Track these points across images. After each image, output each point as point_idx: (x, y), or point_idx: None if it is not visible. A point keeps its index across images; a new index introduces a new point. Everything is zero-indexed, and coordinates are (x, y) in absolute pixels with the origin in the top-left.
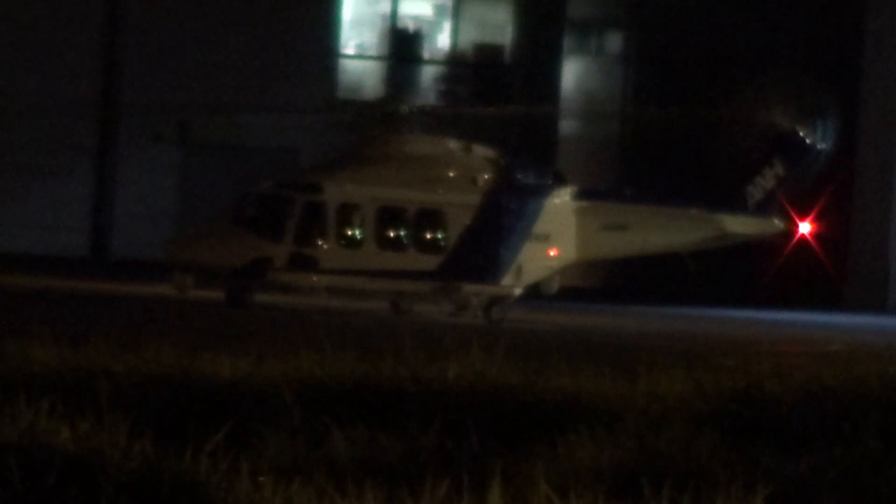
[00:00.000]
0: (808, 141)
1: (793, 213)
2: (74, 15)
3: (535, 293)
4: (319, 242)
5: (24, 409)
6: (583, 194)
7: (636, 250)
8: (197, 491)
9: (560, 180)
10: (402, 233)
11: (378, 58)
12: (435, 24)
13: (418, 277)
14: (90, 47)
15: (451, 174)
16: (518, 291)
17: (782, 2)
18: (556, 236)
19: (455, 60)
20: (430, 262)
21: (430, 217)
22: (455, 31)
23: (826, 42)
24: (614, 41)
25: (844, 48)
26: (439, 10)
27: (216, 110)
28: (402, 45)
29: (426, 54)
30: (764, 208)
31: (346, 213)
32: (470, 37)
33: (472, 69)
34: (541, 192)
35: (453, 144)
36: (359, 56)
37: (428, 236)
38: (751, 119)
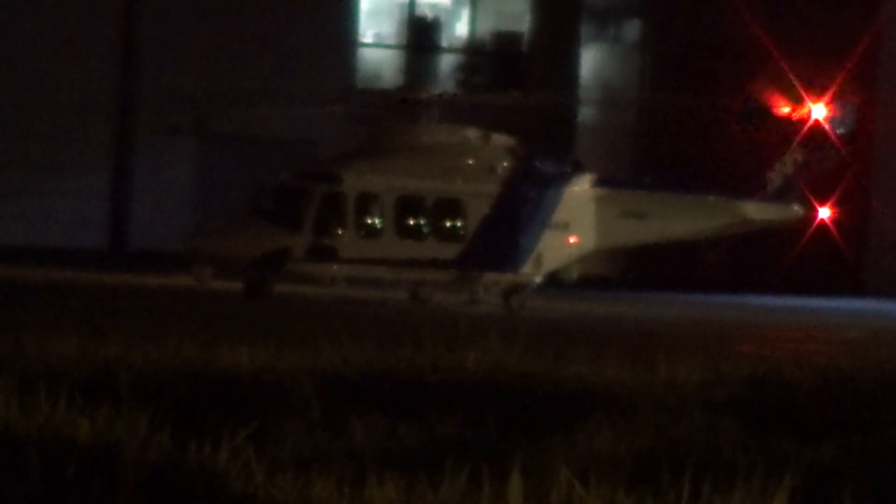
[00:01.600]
0: (826, 126)
1: (812, 199)
2: (91, 8)
3: (554, 281)
4: (338, 233)
5: (44, 402)
6: (601, 182)
7: (655, 238)
8: (216, 483)
9: (579, 168)
10: (420, 222)
11: (396, 47)
12: (452, 13)
13: (437, 267)
14: (107, 40)
15: (470, 163)
16: (537, 280)
17: None
18: (575, 224)
19: (473, 49)
20: (449, 251)
21: (449, 206)
22: (473, 20)
23: (843, 27)
24: (631, 29)
25: (861, 34)
26: None
27: (233, 102)
28: (420, 34)
29: (444, 43)
30: (783, 194)
31: (365, 204)
32: (487, 25)
33: (490, 58)
34: (559, 180)
35: (472, 133)
36: (377, 45)
37: (447, 225)
38: (768, 106)
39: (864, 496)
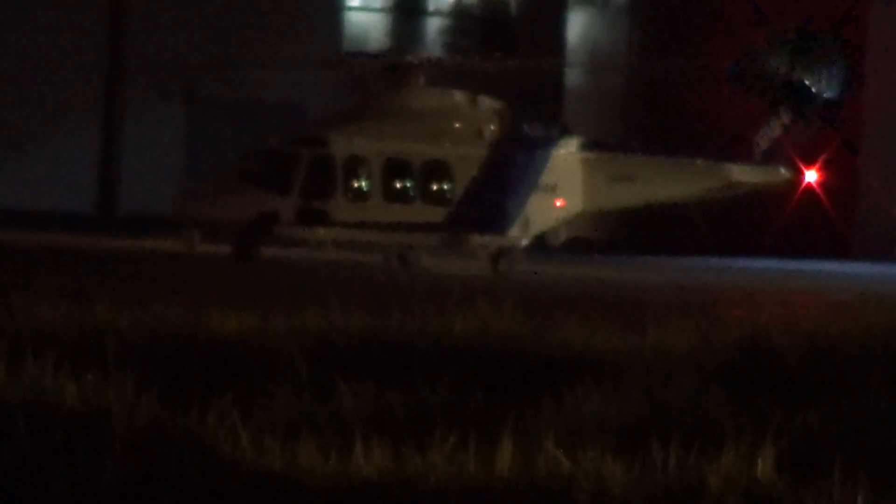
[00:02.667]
0: (814, 89)
1: (799, 163)
2: None
3: (542, 245)
4: (326, 196)
5: (31, 366)
6: (589, 146)
7: (643, 201)
8: (203, 447)
9: (566, 132)
10: (408, 185)
11: (383, 10)
12: None
13: (425, 230)
14: (95, 5)
15: (457, 126)
16: (525, 243)
17: None
18: (563, 188)
19: (460, 13)
20: (436, 214)
21: (437, 169)
22: None
23: None
24: None
25: None
26: None
27: (222, 66)
28: None
29: (431, 7)
30: (770, 158)
31: (353, 167)
32: None
33: (478, 21)
34: (547, 143)
35: (459, 97)
36: (364, 9)
37: (434, 189)
38: (757, 68)
39: (851, 460)
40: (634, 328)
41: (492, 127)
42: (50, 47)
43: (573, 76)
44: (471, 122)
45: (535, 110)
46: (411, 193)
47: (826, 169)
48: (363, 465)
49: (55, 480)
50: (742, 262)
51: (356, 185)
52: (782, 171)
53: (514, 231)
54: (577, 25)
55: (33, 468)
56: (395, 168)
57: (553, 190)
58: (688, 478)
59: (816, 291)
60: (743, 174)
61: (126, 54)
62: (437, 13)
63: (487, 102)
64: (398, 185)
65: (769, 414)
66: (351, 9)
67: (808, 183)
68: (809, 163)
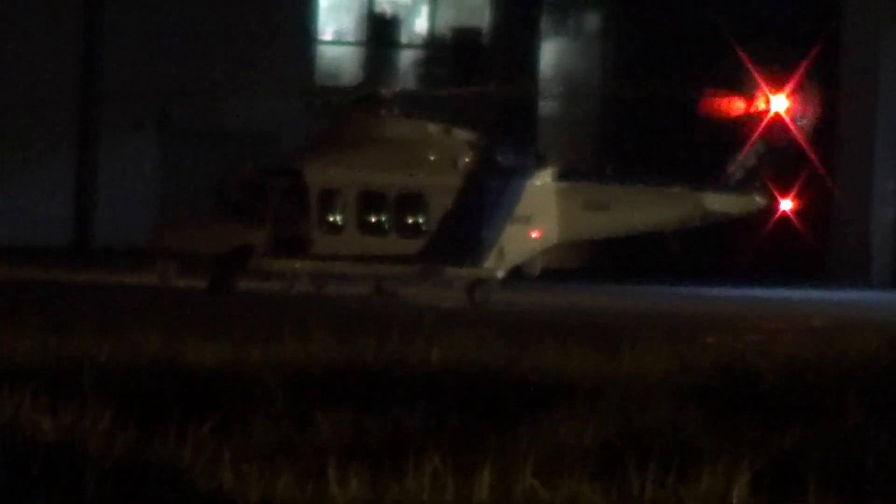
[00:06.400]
0: (787, 118)
1: (774, 190)
2: (52, 1)
3: (518, 275)
4: (301, 228)
5: (7, 400)
6: (564, 175)
7: (618, 230)
8: (181, 477)
9: (541, 161)
10: (383, 217)
11: (356, 43)
12: (412, 8)
13: (401, 261)
14: (69, 33)
15: (432, 157)
16: (501, 274)
17: None
18: (538, 218)
19: (433, 44)
20: (412, 245)
21: (412, 200)
22: (433, 15)
23: (805, 16)
24: (593, 20)
25: (824, 22)
26: None
27: (196, 97)
28: (380, 29)
29: (404, 38)
30: (745, 186)
31: (328, 199)
32: (448, 20)
33: (451, 52)
34: (522, 173)
35: (433, 127)
36: (337, 42)
37: (409, 220)
38: (731, 96)
39: (827, 481)
40: (611, 354)
41: (466, 157)
42: (23, 77)
43: (547, 105)
44: (445, 152)
45: (510, 140)
46: (387, 224)
47: (801, 196)
48: (340, 494)
49: None
50: (718, 290)
51: (331, 216)
52: (757, 199)
53: (489, 262)
54: (550, 54)
55: (11, 501)
56: (371, 199)
57: (528, 220)
58: (665, 501)
59: (792, 317)
60: (718, 202)
61: (100, 85)
62: (410, 44)
63: (461, 133)
64: (373, 217)
65: (745, 437)
66: (324, 42)
67: (784, 212)
68: (784, 189)
